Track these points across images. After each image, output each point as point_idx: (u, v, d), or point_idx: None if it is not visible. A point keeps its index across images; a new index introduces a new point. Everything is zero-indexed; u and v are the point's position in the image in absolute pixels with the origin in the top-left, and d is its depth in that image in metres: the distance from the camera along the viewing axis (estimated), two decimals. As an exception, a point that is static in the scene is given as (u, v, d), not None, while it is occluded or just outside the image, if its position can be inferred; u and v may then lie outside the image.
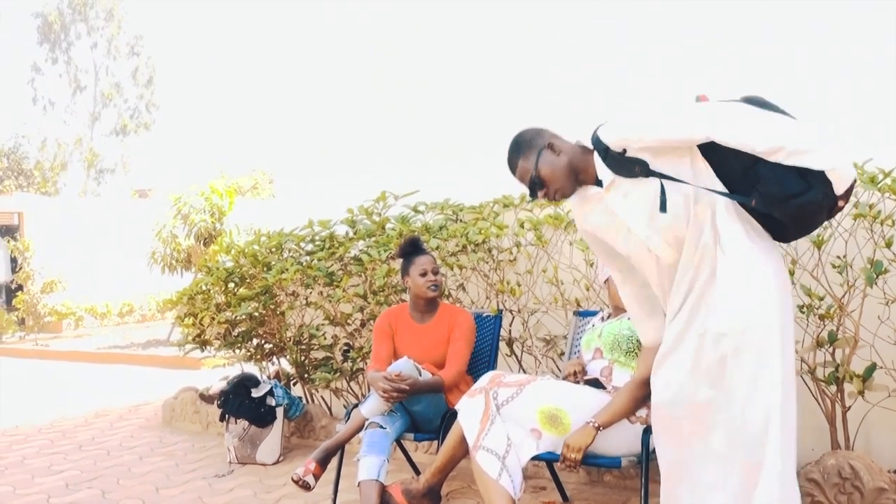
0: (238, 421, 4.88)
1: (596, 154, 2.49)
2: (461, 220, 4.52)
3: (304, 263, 4.94)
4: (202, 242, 11.74)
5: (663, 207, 2.37)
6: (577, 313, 3.82)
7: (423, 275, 3.70)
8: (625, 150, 2.41)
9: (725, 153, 2.31)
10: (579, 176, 2.54)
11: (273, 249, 5.24)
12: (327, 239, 4.95)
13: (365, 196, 4.84)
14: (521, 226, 4.17)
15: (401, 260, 3.83)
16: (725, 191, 2.35)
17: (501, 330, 4.06)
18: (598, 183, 2.51)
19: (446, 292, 4.47)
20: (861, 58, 3.57)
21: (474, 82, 4.76)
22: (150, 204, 18.76)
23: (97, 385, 9.24)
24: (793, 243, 2.68)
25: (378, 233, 4.66)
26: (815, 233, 3.23)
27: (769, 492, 2.27)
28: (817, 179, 2.22)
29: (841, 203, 2.28)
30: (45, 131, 31.90)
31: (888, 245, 3.10)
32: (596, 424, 2.88)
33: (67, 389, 9.06)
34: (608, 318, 3.39)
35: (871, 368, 3.20)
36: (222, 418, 4.99)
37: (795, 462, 2.36)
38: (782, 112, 2.31)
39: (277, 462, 4.80)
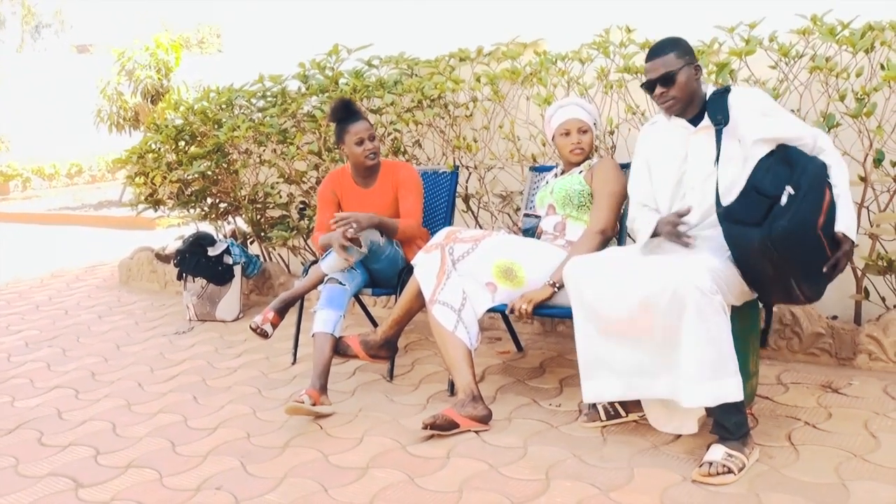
0: (196, 279, 4.90)
1: (710, 94, 2.66)
2: (416, 75, 4.41)
3: (256, 120, 4.82)
4: (149, 100, 11.39)
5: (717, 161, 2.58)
6: (533, 168, 3.81)
7: (360, 143, 3.54)
8: (726, 121, 2.56)
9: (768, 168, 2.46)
10: (689, 106, 2.68)
11: (223, 106, 5.09)
12: (279, 95, 4.81)
13: (317, 50, 4.67)
14: (478, 80, 4.08)
15: (334, 125, 3.64)
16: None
17: (458, 186, 4.06)
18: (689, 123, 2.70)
19: (402, 149, 4.42)
20: None
21: None
22: (91, 60, 18.02)
23: (50, 247, 9.15)
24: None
25: (331, 88, 4.54)
26: (770, 85, 3.23)
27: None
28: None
29: None
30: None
31: (841, 98, 3.11)
32: (552, 282, 2.95)
33: (20, 251, 8.97)
34: (561, 174, 3.38)
35: (817, 220, 3.29)
36: (179, 277, 5.00)
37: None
38: None
39: (237, 319, 4.87)
